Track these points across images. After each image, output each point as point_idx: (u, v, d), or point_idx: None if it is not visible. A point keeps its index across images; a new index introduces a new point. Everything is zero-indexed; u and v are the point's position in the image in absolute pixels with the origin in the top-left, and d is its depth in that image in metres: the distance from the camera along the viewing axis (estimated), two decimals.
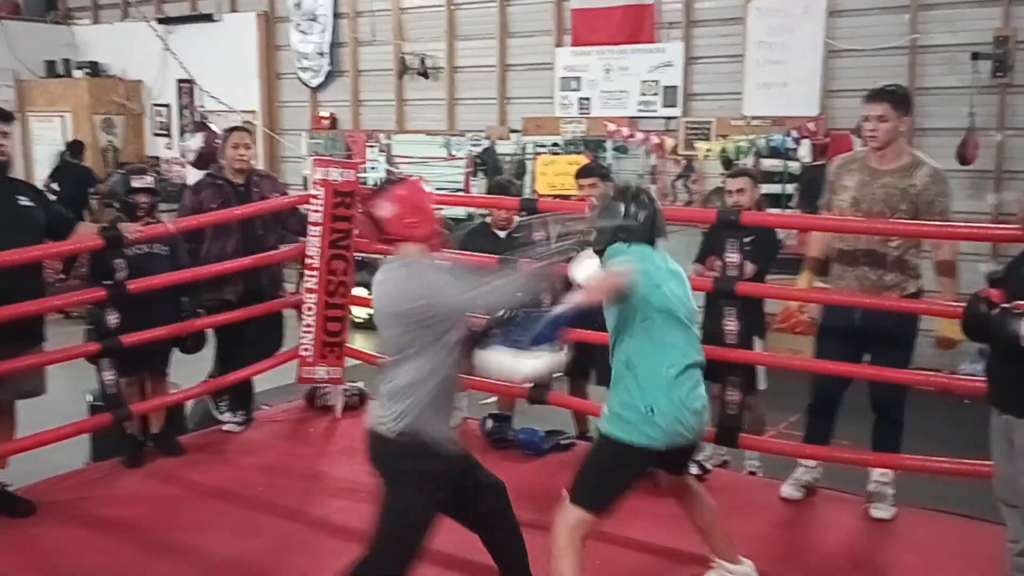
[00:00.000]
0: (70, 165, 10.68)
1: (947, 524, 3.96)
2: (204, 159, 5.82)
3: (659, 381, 2.91)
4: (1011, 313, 2.85)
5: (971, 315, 3.04)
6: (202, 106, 11.34)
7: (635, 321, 2.94)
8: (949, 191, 3.84)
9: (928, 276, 3.96)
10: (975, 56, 6.94)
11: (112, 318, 4.23)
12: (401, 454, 2.78)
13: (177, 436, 4.72)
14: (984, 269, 6.02)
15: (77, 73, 11.83)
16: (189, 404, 5.15)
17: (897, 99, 3.82)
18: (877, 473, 4.05)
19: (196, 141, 6.97)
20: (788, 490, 4.17)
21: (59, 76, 11.91)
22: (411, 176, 3.02)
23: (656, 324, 2.93)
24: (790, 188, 7.71)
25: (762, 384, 4.71)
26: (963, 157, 6.88)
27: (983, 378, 3.22)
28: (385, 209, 2.82)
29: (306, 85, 10.69)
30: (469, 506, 3.04)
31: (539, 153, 8.89)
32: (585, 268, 3.04)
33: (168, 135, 11.83)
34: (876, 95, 3.84)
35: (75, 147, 10.94)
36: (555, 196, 7.76)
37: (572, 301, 2.87)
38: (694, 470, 4.26)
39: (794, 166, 7.73)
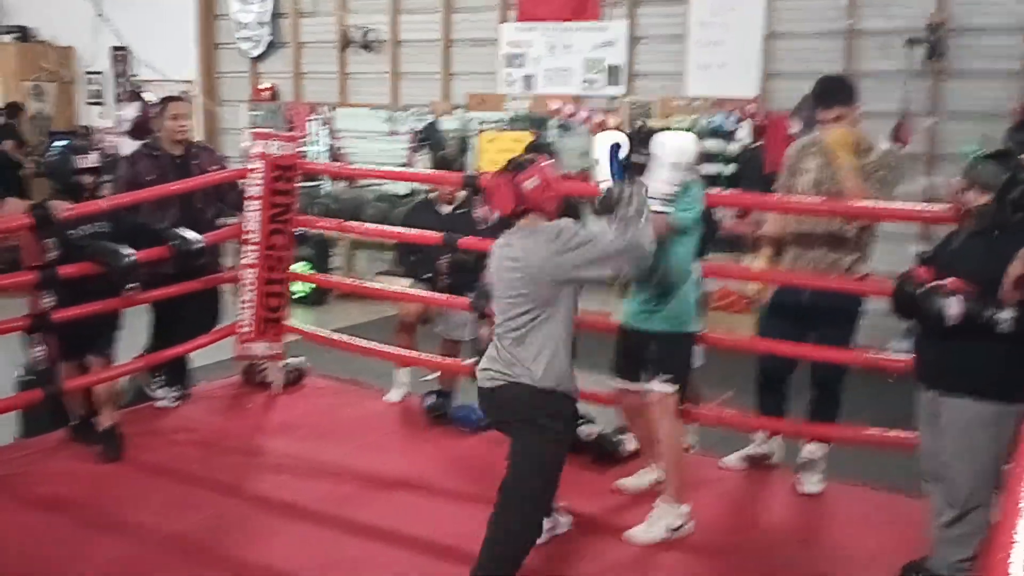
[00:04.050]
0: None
1: (874, 497, 4.09)
2: (139, 129, 5.68)
3: None
4: (936, 291, 2.96)
5: (899, 294, 3.15)
6: (136, 75, 11.03)
7: None
8: (897, 169, 3.96)
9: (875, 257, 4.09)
10: (910, 41, 7.11)
11: (47, 300, 4.12)
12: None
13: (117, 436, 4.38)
14: (913, 250, 6.21)
15: (5, 38, 11.38)
16: (123, 379, 5.04)
17: (846, 97, 3.93)
18: (808, 448, 4.16)
19: (130, 111, 6.79)
20: (731, 460, 4.31)
21: None
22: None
23: None
24: (728, 169, 7.81)
25: (698, 361, 4.78)
26: (897, 140, 7.04)
27: (911, 356, 3.33)
28: (532, 181, 3.14)
29: (246, 56, 10.47)
30: None
31: (483, 129, 8.86)
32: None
33: (101, 104, 11.48)
34: (827, 101, 3.96)
35: (11, 110, 10.58)
36: None
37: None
38: (631, 446, 4.35)
39: (733, 147, 7.84)
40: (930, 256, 3.29)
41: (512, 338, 3.11)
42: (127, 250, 4.18)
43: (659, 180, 3.40)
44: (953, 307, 2.90)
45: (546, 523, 3.47)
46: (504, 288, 3.17)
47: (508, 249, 3.19)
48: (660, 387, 3.61)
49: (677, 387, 3.63)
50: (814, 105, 4.02)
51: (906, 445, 3.57)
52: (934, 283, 3.00)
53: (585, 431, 4.34)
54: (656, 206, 3.35)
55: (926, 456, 3.19)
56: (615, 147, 3.54)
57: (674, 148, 3.44)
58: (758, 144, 7.74)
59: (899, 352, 6.24)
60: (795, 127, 7.06)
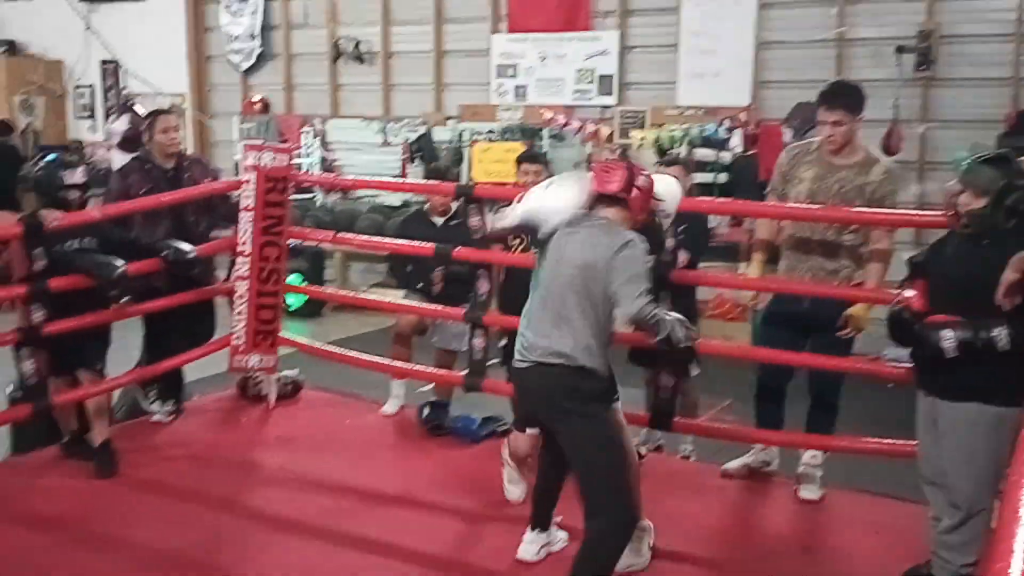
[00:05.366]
0: None
1: (873, 504, 4.08)
2: (130, 142, 5.66)
3: None
4: (932, 327, 2.96)
5: (894, 323, 3.17)
6: (127, 88, 11.00)
7: None
8: (898, 188, 3.96)
9: None
10: (900, 49, 7.14)
11: (37, 315, 4.08)
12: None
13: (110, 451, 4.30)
14: (906, 256, 6.23)
15: None
16: (116, 394, 5.00)
17: (851, 103, 3.88)
18: (808, 455, 4.15)
19: (121, 124, 6.77)
20: (732, 465, 4.31)
21: None
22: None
23: None
24: (721, 178, 7.83)
25: (695, 370, 4.78)
26: (888, 148, 7.06)
27: (907, 363, 3.32)
28: (644, 180, 3.17)
29: (236, 68, 10.45)
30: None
31: (476, 140, 8.85)
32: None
33: (92, 117, 11.45)
34: (831, 102, 3.88)
35: (2, 128, 10.54)
36: (493, 183, 7.74)
37: None
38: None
39: (725, 156, 7.85)
40: (922, 262, 3.28)
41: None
42: (117, 261, 4.15)
43: None
44: (950, 342, 2.90)
45: (542, 537, 3.44)
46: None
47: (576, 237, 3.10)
48: None
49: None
50: (818, 104, 3.95)
51: (903, 453, 3.56)
52: (928, 320, 3.00)
53: None
54: None
55: (925, 461, 3.18)
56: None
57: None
58: (751, 152, 7.75)
59: (894, 359, 6.27)
60: (788, 135, 7.08)
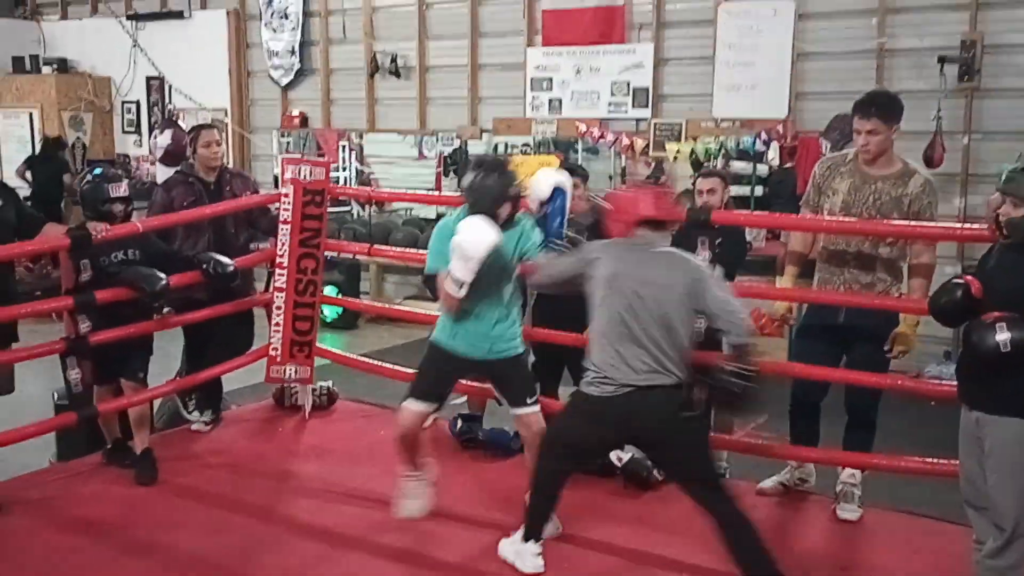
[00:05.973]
0: (47, 158, 10.55)
1: (914, 525, 4.00)
2: (173, 157, 5.77)
3: None
4: (986, 325, 2.87)
5: (946, 299, 3.06)
6: (172, 103, 11.24)
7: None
8: (937, 200, 3.89)
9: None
10: (942, 60, 7.04)
11: (83, 325, 4.18)
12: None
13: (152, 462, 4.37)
14: (950, 271, 6.12)
15: (45, 69, 11.67)
16: (157, 403, 5.09)
17: (887, 112, 3.81)
18: (846, 474, 4.08)
19: (165, 138, 6.91)
20: (767, 484, 4.25)
21: (27, 72, 11.74)
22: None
23: None
24: (758, 190, 7.78)
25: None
26: (930, 160, 6.97)
27: (950, 381, 3.24)
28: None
29: (276, 83, 10.62)
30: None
31: (511, 154, 8.88)
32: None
33: (137, 132, 11.70)
34: (865, 110, 3.80)
35: (56, 143, 10.82)
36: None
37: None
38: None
39: (762, 168, 7.79)
40: (972, 275, 3.21)
41: None
42: (160, 274, 4.24)
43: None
44: (1004, 336, 2.81)
45: (539, 546, 3.48)
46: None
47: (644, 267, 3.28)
48: (533, 408, 3.73)
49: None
50: (852, 113, 3.88)
51: (945, 473, 3.48)
52: (983, 317, 2.91)
53: (615, 456, 4.30)
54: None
55: (967, 482, 3.09)
56: (559, 191, 3.64)
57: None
58: (788, 165, 7.68)
59: (936, 376, 6.17)
60: (826, 147, 7.02)
